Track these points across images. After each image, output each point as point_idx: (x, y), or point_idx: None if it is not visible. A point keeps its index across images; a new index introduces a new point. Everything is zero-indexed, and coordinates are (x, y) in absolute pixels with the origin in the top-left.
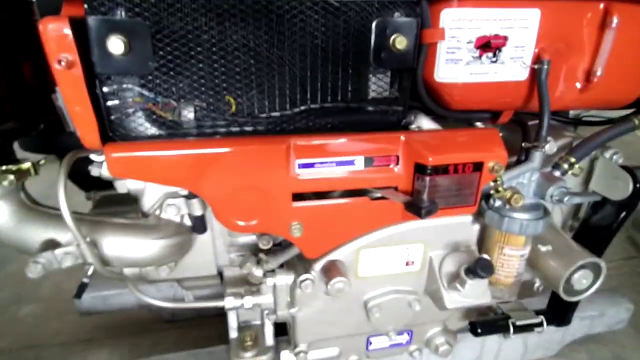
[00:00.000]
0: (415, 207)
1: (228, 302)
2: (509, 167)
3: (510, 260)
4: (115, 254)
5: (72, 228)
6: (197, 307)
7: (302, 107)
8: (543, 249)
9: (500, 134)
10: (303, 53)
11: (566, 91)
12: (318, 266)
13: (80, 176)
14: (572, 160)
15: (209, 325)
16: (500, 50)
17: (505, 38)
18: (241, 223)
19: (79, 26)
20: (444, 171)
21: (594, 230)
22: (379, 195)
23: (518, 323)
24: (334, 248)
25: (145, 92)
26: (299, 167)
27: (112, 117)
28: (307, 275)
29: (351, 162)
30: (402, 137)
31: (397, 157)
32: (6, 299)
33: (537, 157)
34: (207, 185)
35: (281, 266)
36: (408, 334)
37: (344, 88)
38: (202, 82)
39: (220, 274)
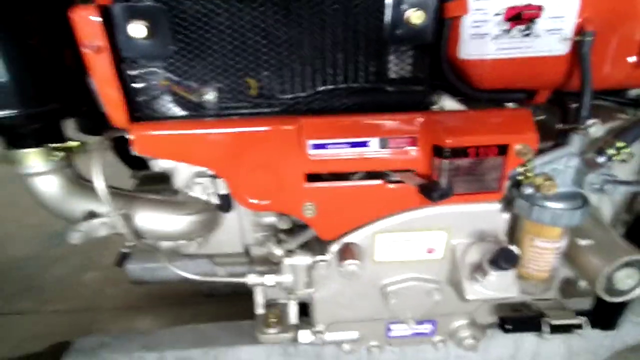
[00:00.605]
0: (428, 191)
1: (250, 279)
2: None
3: (543, 254)
4: (147, 226)
5: (106, 200)
6: (222, 282)
7: (318, 88)
8: (582, 242)
9: (541, 117)
10: (318, 32)
11: (617, 67)
12: (334, 248)
13: (128, 156)
14: (620, 144)
15: (245, 301)
16: (533, 22)
17: (540, 8)
18: (255, 201)
19: (106, 13)
20: (463, 154)
21: None
22: (395, 178)
23: (553, 322)
24: (349, 231)
25: (168, 75)
26: (312, 148)
27: (138, 98)
28: (322, 257)
29: (365, 144)
30: (420, 118)
31: (415, 139)
32: (75, 266)
33: (575, 140)
34: (222, 164)
35: (302, 247)
36: (431, 323)
37: (360, 67)
38: (221, 64)
39: (248, 252)
